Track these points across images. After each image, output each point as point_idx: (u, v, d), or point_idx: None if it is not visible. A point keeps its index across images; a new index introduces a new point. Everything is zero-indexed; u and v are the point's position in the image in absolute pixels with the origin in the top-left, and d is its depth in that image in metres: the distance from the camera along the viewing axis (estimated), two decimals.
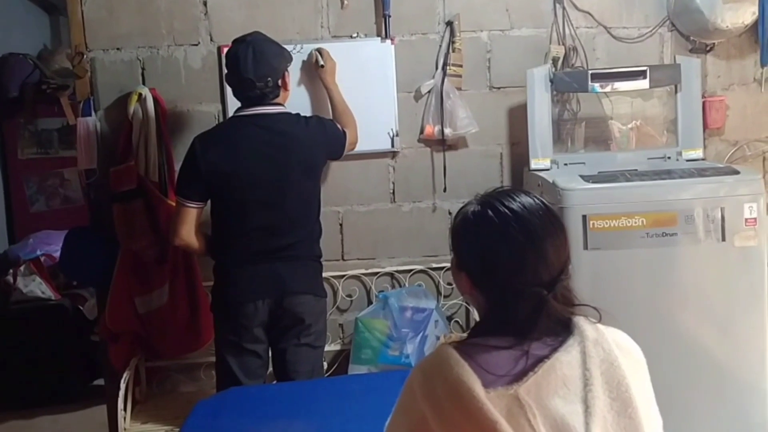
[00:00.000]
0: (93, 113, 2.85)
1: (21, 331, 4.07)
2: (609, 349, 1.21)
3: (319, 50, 2.81)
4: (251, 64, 2.33)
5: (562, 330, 1.23)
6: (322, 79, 2.80)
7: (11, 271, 4.12)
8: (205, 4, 2.88)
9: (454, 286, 3.00)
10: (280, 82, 2.43)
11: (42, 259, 4.18)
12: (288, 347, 2.43)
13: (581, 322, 1.24)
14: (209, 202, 2.46)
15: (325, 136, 2.51)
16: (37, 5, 5.11)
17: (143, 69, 2.89)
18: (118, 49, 2.87)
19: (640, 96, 3.05)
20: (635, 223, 2.41)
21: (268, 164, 2.36)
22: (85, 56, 2.84)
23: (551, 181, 2.52)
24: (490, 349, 1.20)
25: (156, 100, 2.83)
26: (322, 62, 2.77)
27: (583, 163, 2.80)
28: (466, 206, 1.33)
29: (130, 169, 2.77)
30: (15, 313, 4.09)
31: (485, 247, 1.26)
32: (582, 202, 2.42)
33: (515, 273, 1.22)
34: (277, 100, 2.43)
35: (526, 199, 1.27)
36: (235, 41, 2.43)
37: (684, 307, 2.47)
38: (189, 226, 2.40)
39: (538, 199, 1.28)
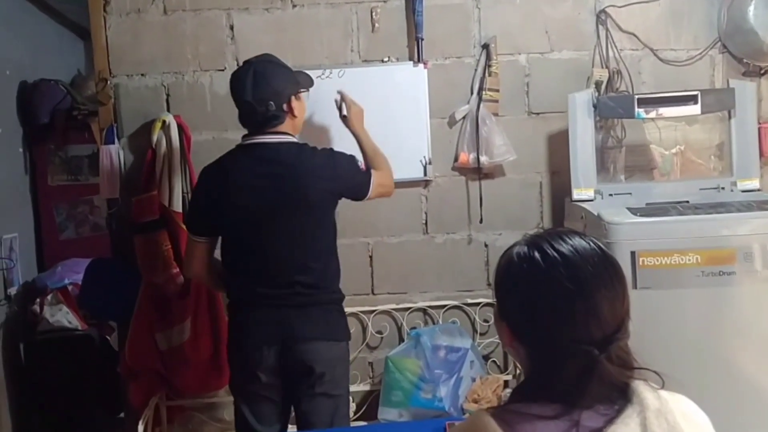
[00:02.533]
0: (116, 141, 2.77)
1: (47, 362, 3.97)
2: (674, 421, 1.05)
3: (341, 96, 2.55)
4: (250, 86, 2.14)
5: (618, 397, 1.07)
6: (349, 128, 2.54)
7: (38, 300, 4.04)
8: (231, 28, 2.79)
9: (490, 323, 2.87)
10: (285, 107, 2.19)
11: (69, 288, 4.09)
12: (303, 397, 2.21)
13: (641, 388, 1.08)
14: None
15: (335, 170, 2.22)
16: (72, 31, 5.11)
17: (168, 95, 2.81)
18: (142, 74, 2.80)
19: (684, 120, 2.87)
20: (689, 260, 2.22)
21: (264, 197, 2.14)
22: (109, 82, 2.77)
23: (596, 214, 2.35)
24: (533, 418, 1.04)
25: (180, 128, 2.74)
26: (344, 112, 2.53)
27: (629, 193, 2.63)
28: (512, 247, 1.18)
29: (152, 199, 2.67)
30: (41, 343, 3.99)
31: (529, 293, 1.10)
32: (630, 237, 2.24)
33: (562, 327, 1.06)
34: (281, 128, 2.19)
35: (579, 242, 1.11)
36: (242, 63, 2.28)
37: (744, 352, 2.26)
38: (199, 260, 2.26)
39: (593, 242, 1.12)
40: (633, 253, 2.23)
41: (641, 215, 2.30)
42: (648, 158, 2.91)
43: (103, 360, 4.04)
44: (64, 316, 4.04)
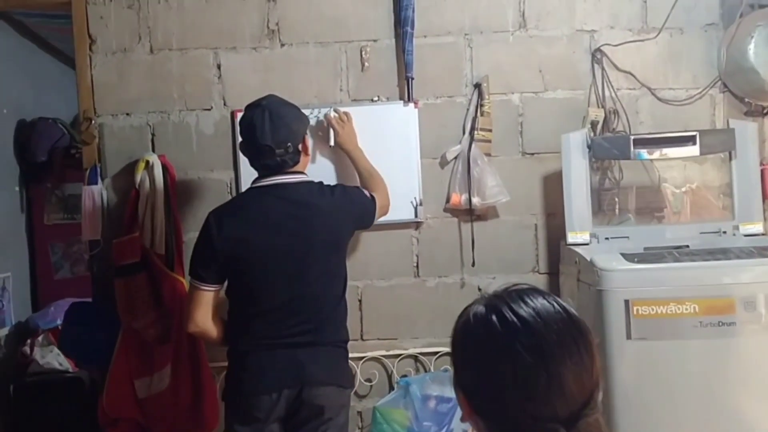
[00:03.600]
0: (99, 181, 2.71)
1: (36, 404, 3.88)
2: None
3: (327, 119, 2.62)
4: (269, 129, 2.13)
5: None
6: (342, 149, 2.61)
7: (29, 341, 3.97)
8: (218, 67, 2.75)
9: None
10: (300, 147, 2.22)
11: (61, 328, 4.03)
12: None
13: None
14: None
15: (352, 206, 2.29)
16: (75, 69, 5.14)
17: (153, 135, 2.76)
18: (127, 114, 2.75)
19: (693, 158, 2.77)
20: (686, 309, 2.10)
21: (288, 238, 2.14)
22: (93, 121, 2.72)
23: (589, 259, 2.24)
24: None
25: (165, 168, 2.69)
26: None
27: (627, 237, 2.52)
28: (470, 307, 1.09)
29: (134, 241, 2.61)
30: (31, 386, 3.90)
31: (485, 363, 1.01)
32: (624, 284, 2.13)
33: (523, 402, 0.96)
34: (296, 168, 2.22)
35: (542, 305, 1.01)
36: (248, 107, 2.23)
37: (746, 408, 2.12)
38: (205, 310, 2.18)
39: (558, 304, 1.02)
40: (627, 302, 2.12)
41: (636, 261, 2.19)
42: (656, 201, 2.81)
43: (94, 403, 3.95)
44: (54, 358, 3.96)
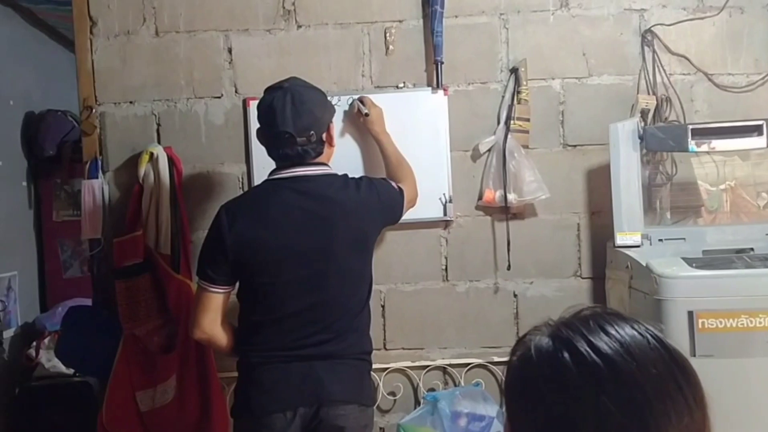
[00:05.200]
0: (100, 175, 2.50)
1: (42, 410, 3.71)
2: None
3: (360, 99, 2.42)
4: (290, 114, 1.89)
5: None
6: (370, 130, 2.40)
7: (34, 343, 3.79)
8: (229, 51, 2.53)
9: None
10: (324, 136, 1.99)
11: None
12: None
13: None
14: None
15: (380, 202, 2.05)
16: None
17: (158, 125, 2.54)
18: (131, 102, 2.54)
19: (737, 154, 2.51)
20: (760, 323, 1.83)
21: (308, 236, 1.91)
22: (94, 110, 2.51)
23: (644, 264, 1.98)
24: None
25: (171, 160, 2.47)
26: (365, 110, 2.37)
27: (683, 239, 2.26)
28: (530, 336, 0.83)
29: (136, 240, 2.40)
30: (36, 390, 3.75)
31: (554, 418, 0.75)
32: (688, 294, 1.87)
33: None
34: (320, 159, 1.99)
35: (630, 336, 0.76)
36: (268, 89, 2.00)
37: None
38: (213, 315, 1.95)
39: (653, 336, 0.77)
40: (691, 314, 1.86)
41: (701, 267, 1.92)
42: (695, 196, 2.54)
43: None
44: None
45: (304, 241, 1.91)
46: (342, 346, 1.94)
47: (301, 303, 1.92)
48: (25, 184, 4.11)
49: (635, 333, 0.77)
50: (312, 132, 1.92)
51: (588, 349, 0.75)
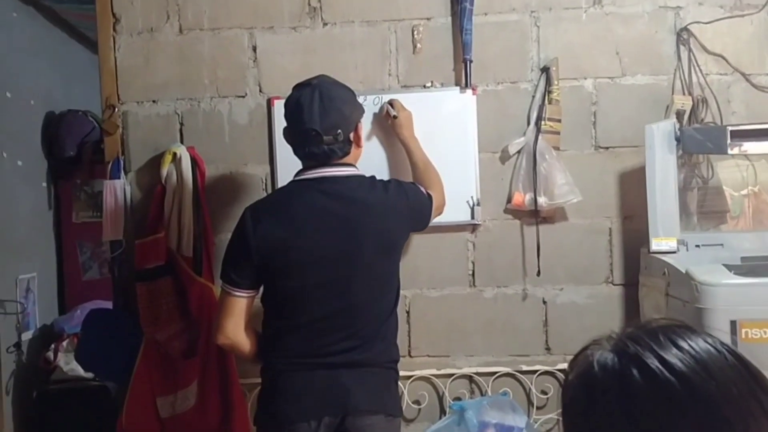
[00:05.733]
0: (123, 175, 2.46)
1: (60, 414, 3.68)
2: None
3: (390, 102, 2.36)
4: (318, 112, 1.83)
5: None
6: (398, 134, 2.33)
7: (53, 346, 3.76)
8: (254, 49, 2.47)
9: (550, 395, 2.43)
10: (352, 136, 1.92)
11: None
12: None
13: None
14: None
15: (408, 206, 1.98)
16: None
17: (181, 124, 2.50)
18: (154, 101, 2.49)
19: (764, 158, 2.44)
20: None
21: (335, 239, 1.85)
22: (116, 109, 2.47)
23: (683, 271, 1.90)
24: None
25: (194, 161, 2.43)
26: (394, 112, 2.31)
27: (720, 244, 2.18)
28: (589, 350, 0.76)
29: (158, 242, 2.35)
30: (55, 394, 3.71)
31: None
32: (731, 302, 1.79)
33: None
34: (347, 159, 1.93)
35: (704, 350, 0.70)
36: (296, 86, 1.94)
37: None
38: (237, 320, 1.90)
39: (729, 351, 0.70)
40: (734, 323, 1.77)
41: (743, 274, 1.84)
42: (722, 201, 2.47)
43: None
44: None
45: (330, 245, 1.85)
46: (369, 354, 1.88)
47: (326, 308, 1.86)
48: (44, 184, 4.08)
49: (710, 348, 0.70)
50: (339, 131, 1.86)
51: (660, 365, 0.68)
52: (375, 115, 2.41)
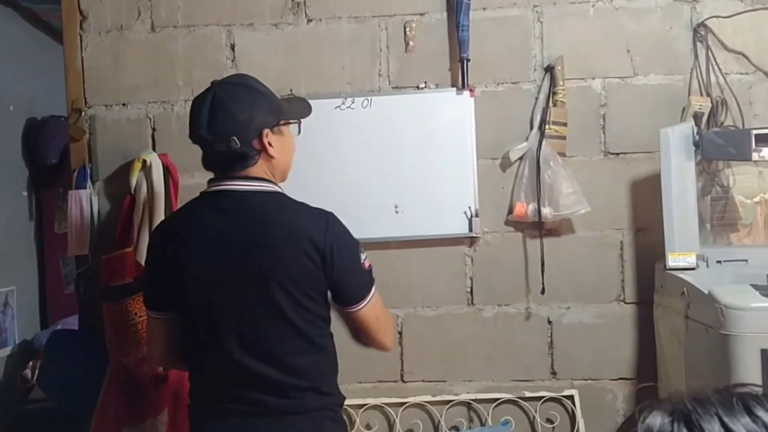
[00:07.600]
0: (89, 185, 2.29)
1: None
2: None
3: None
4: (206, 117, 1.57)
5: None
6: None
7: (30, 363, 3.58)
8: (232, 47, 2.32)
9: (555, 424, 2.23)
10: (256, 143, 1.60)
11: None
12: None
13: None
14: None
15: (326, 235, 1.58)
16: None
17: (154, 129, 2.35)
18: (123, 104, 2.35)
19: None
20: None
21: (218, 264, 1.56)
22: (83, 113, 2.30)
23: (706, 292, 1.69)
24: None
25: (167, 169, 2.27)
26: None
27: (745, 260, 1.98)
28: (643, 414, 0.61)
29: (125, 258, 2.17)
30: (32, 414, 3.54)
31: None
32: (762, 328, 1.58)
33: None
34: (252, 172, 1.61)
35: None
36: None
37: None
38: (159, 344, 1.68)
39: None
40: (764, 352, 1.57)
41: None
42: (732, 209, 2.30)
43: None
44: None
45: (222, 270, 1.57)
46: (287, 398, 1.58)
47: (229, 346, 1.57)
48: (25, 193, 3.96)
49: None
50: (233, 138, 1.56)
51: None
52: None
